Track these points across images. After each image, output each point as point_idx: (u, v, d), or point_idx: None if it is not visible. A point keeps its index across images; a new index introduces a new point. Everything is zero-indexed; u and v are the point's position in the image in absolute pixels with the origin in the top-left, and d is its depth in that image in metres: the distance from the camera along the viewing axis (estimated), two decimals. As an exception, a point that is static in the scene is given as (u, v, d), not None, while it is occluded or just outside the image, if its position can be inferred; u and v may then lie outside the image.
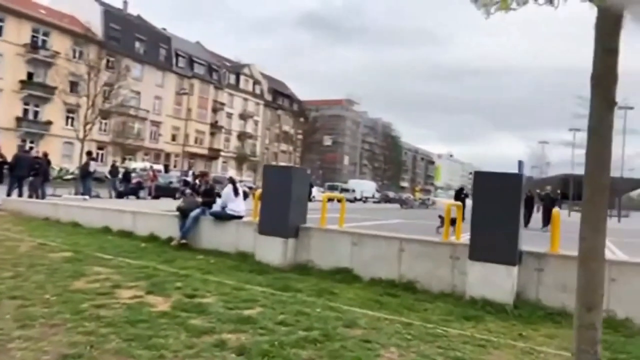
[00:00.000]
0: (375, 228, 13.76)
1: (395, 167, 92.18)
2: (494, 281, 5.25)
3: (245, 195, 8.20)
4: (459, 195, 20.61)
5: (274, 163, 75.51)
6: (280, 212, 6.69)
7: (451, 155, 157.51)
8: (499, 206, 5.25)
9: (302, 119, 71.78)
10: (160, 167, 33.38)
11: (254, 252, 7.07)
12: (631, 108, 36.25)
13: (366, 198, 44.14)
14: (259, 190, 7.58)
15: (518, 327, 4.66)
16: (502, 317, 4.94)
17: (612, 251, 11.77)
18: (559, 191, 27.78)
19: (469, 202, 20.10)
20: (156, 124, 54.09)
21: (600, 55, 2.34)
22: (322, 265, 6.54)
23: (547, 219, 19.00)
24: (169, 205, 12.45)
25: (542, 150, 58.75)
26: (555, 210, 5.43)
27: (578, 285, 2.33)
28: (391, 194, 52.83)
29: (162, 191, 24.45)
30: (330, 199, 7.47)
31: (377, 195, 48.79)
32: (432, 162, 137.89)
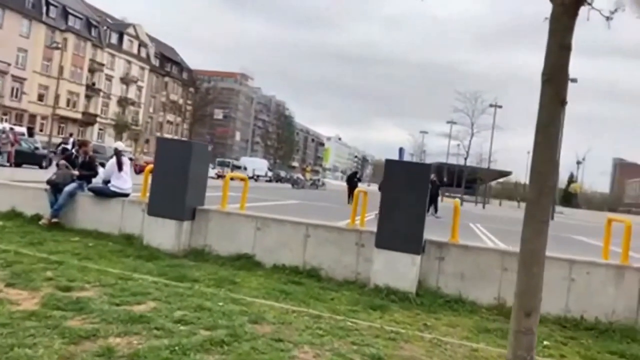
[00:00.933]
0: (273, 209, 13.42)
1: (288, 146, 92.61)
2: (398, 270, 5.26)
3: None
4: (352, 179, 21.16)
5: (158, 134, 71.00)
6: (176, 191, 6.01)
7: (340, 138, 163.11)
8: (408, 195, 5.24)
9: (192, 89, 68.20)
10: (22, 129, 29.07)
11: (141, 235, 6.31)
12: (500, 107, 40.58)
13: (258, 176, 43.47)
14: (150, 166, 6.77)
15: (422, 316, 4.71)
16: (406, 306, 4.97)
17: (491, 239, 12.94)
18: (445, 178, 29.93)
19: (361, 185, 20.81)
20: (19, 80, 47.32)
21: (555, 52, 2.23)
22: (221, 250, 6.05)
23: (432, 205, 20.32)
24: (36, 175, 10.79)
25: (421, 139, 63.28)
26: (456, 201, 5.60)
27: (518, 290, 2.24)
28: (283, 173, 52.88)
29: (25, 158, 21.41)
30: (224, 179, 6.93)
31: (269, 174, 48.46)
32: (322, 144, 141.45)
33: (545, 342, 4.32)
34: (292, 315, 4.18)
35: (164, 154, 6.17)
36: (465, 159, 42.95)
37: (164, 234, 6.04)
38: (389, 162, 5.37)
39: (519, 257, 2.27)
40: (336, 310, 4.50)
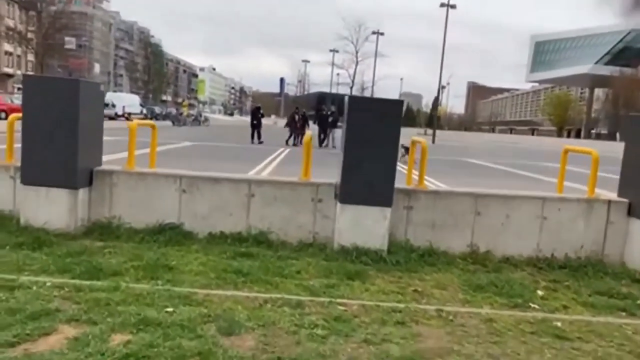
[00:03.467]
0: (168, 156, 11.60)
1: (158, 79, 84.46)
2: (367, 226, 4.49)
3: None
4: (256, 114, 19.59)
5: (-4, 68, 59.50)
6: (62, 149, 4.37)
7: (214, 69, 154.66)
8: (377, 138, 4.37)
9: (33, 13, 57.24)
10: None
11: (14, 213, 4.61)
12: (382, 34, 40.84)
13: (129, 114, 38.81)
14: (15, 114, 4.90)
15: (405, 279, 4.06)
16: (382, 267, 4.27)
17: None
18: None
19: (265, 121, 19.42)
20: None
21: None
22: (135, 222, 4.67)
23: (328, 137, 19.91)
24: None
25: (304, 69, 62.14)
26: (423, 141, 4.86)
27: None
28: (158, 110, 48.20)
29: None
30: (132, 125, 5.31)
31: (144, 111, 43.63)
32: (196, 75, 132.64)
33: (539, 292, 3.99)
34: (267, 309, 3.20)
35: (37, 98, 4.36)
36: (351, 87, 43.18)
37: (51, 208, 4.44)
38: (353, 99, 4.37)
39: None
40: (313, 290, 3.62)
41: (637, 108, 72.65)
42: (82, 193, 4.56)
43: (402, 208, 4.73)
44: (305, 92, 62.54)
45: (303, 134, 20.64)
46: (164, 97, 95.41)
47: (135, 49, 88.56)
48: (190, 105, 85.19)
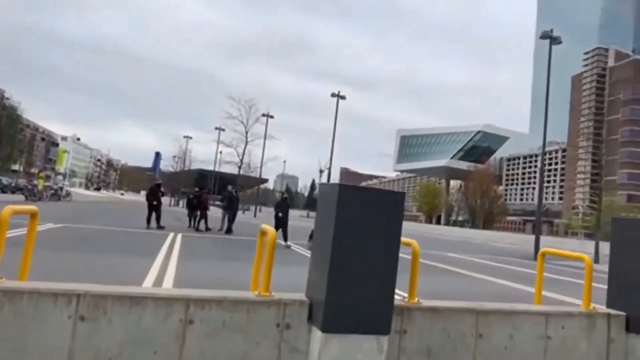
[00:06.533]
0: (19, 244, 8.71)
1: (9, 145, 74.04)
2: (359, 363, 3.25)
3: None
4: (157, 193, 17.09)
5: None
6: None
7: (78, 139, 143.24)
8: (374, 241, 3.31)
9: None
10: None
11: None
12: (272, 117, 41.29)
13: (-33, 185, 32.37)
14: None
15: None
16: None
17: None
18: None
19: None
20: None
21: None
22: (-12, 374, 2.81)
23: (230, 221, 18.02)
24: None
25: (185, 145, 59.90)
26: (414, 244, 3.86)
27: None
28: (6, 181, 41.28)
29: None
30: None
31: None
32: (56, 144, 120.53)
33: None
34: None
35: None
36: (239, 167, 41.96)
37: None
38: (344, 188, 3.28)
39: None
40: None
41: (489, 198, 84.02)
42: None
43: (394, 332, 3.60)
44: (186, 169, 59.61)
45: (206, 216, 18.51)
46: (15, 167, 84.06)
47: (-17, 110, 77.64)
48: (47, 177, 75.78)
